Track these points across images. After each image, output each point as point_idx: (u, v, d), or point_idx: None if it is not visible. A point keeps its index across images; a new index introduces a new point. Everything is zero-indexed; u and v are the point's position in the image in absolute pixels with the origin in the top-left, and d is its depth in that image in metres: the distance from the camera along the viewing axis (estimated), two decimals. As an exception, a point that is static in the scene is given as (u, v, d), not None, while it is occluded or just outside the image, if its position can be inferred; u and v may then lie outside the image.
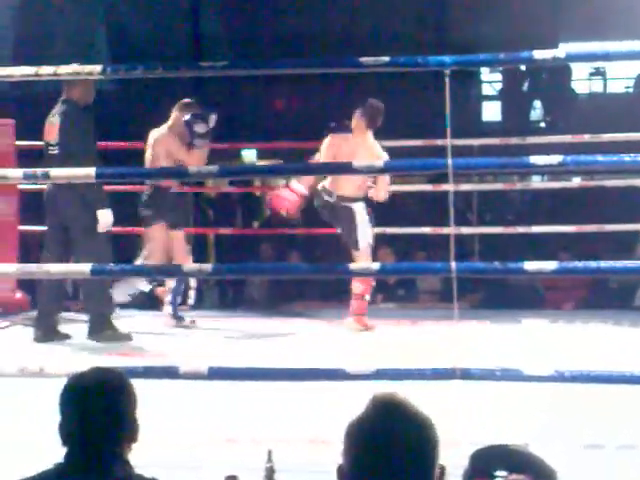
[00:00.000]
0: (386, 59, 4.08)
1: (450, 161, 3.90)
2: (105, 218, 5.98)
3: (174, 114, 6.64)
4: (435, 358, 5.20)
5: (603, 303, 7.59)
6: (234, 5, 13.99)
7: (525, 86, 13.82)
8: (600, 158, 4.20)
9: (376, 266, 4.10)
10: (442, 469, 1.78)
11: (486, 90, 14.34)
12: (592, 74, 13.80)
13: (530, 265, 3.91)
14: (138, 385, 2.28)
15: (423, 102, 10.36)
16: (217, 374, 3.94)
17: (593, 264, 4.01)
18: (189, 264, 6.07)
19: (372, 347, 5.89)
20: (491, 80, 14.29)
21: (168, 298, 6.83)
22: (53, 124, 6.17)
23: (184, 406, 4.38)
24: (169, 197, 6.65)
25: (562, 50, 3.95)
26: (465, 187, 7.78)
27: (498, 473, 2.48)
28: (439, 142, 6.95)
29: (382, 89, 12.80)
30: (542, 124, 13.67)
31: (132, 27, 13.91)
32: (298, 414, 4.23)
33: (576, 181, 9.28)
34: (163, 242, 6.59)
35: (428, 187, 7.79)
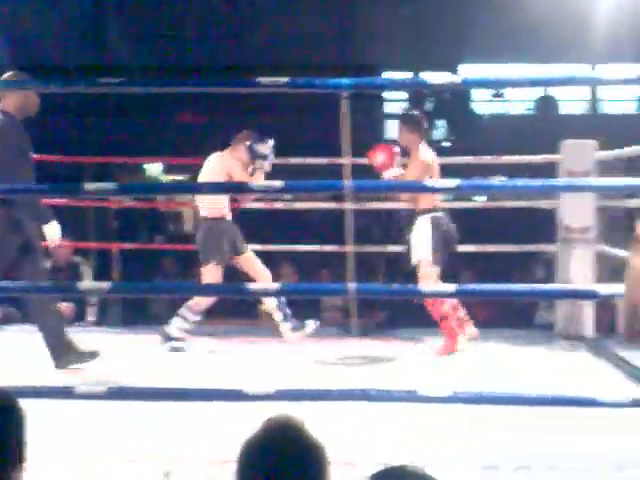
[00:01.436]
0: (285, 80, 4.12)
1: (347, 183, 3.95)
2: (51, 232, 5.62)
3: (235, 142, 6.61)
4: (334, 378, 5.27)
5: (508, 321, 7.75)
6: (137, 13, 13.91)
7: (429, 106, 14.02)
8: (495, 182, 4.31)
9: (275, 286, 4.11)
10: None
11: (391, 108, 14.51)
12: (494, 95, 14.09)
13: (429, 288, 3.99)
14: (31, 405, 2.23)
15: (329, 120, 10.40)
16: (115, 395, 3.91)
17: (489, 287, 4.10)
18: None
19: (272, 366, 5.88)
20: (396, 99, 14.47)
21: (279, 315, 6.59)
22: None
23: (84, 425, 4.32)
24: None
25: (458, 76, 4.01)
26: (371, 205, 7.80)
27: (396, 494, 2.51)
28: (343, 160, 7.03)
29: (290, 107, 12.94)
30: (446, 143, 13.88)
31: (33, 35, 13.71)
32: (198, 433, 4.21)
33: (481, 200, 9.40)
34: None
35: (332, 205, 7.81)
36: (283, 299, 6.49)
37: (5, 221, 5.54)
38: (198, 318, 6.50)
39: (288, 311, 6.51)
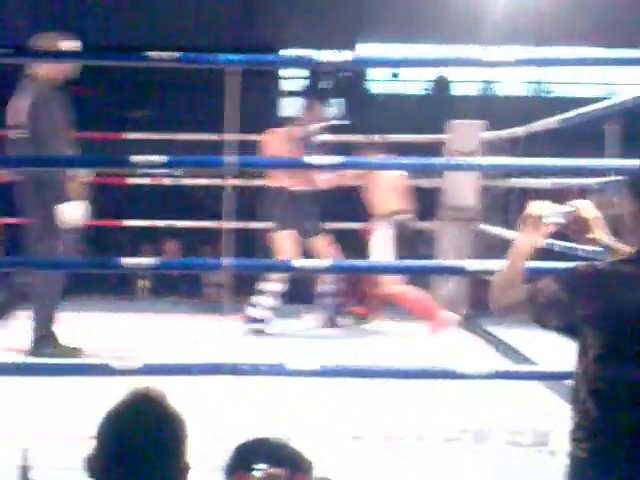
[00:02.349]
0: (175, 54, 4.11)
1: (229, 158, 3.95)
2: (68, 213, 5.35)
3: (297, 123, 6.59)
4: (209, 353, 5.28)
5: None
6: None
7: (326, 84, 14.05)
8: (375, 160, 4.35)
9: (149, 261, 4.09)
10: (187, 465, 1.82)
11: (288, 86, 14.50)
12: (393, 75, 14.19)
13: (302, 263, 4.03)
14: None
15: (220, 96, 10.36)
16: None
17: (361, 262, 4.17)
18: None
19: (156, 341, 5.87)
20: (294, 77, 14.47)
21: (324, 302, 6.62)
22: (16, 105, 5.49)
23: None
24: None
25: (348, 54, 4.04)
26: (257, 182, 7.79)
27: (258, 467, 2.54)
28: (231, 137, 6.98)
29: (182, 83, 12.85)
30: (342, 122, 13.93)
31: None
32: (64, 410, 4.18)
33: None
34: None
35: (217, 181, 7.77)
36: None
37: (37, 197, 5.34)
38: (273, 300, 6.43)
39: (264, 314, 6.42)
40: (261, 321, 6.38)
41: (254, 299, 6.39)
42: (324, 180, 6.52)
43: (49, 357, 5.25)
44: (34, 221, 5.42)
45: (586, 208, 2.60)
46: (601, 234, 2.62)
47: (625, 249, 2.54)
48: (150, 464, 1.77)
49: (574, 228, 2.59)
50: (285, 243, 6.40)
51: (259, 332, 6.33)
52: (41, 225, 5.36)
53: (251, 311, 6.38)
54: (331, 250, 6.49)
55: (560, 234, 2.72)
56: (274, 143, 6.46)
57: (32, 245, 5.41)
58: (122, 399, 1.82)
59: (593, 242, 2.64)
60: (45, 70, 5.40)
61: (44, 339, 5.37)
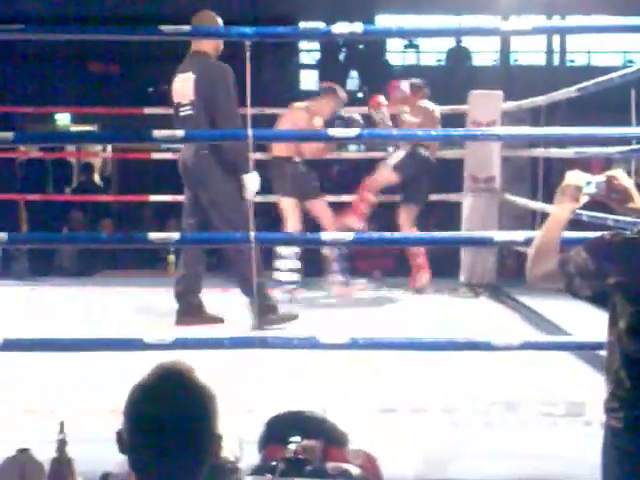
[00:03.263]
0: (187, 28, 4.10)
1: (250, 131, 3.96)
2: (251, 183, 5.15)
3: (324, 99, 6.58)
4: (238, 325, 5.31)
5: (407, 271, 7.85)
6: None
7: (342, 56, 14.00)
8: (394, 132, 4.36)
9: (176, 236, 4.11)
10: (218, 437, 1.82)
11: (305, 59, 14.45)
12: (406, 46, 14.12)
13: (328, 235, 4.04)
14: None
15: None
16: (12, 346, 3.89)
17: (387, 235, 4.16)
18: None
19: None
20: (311, 49, 14.42)
21: (336, 266, 6.64)
22: (185, 82, 5.43)
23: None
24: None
25: (359, 25, 4.02)
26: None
27: (292, 439, 2.56)
28: (254, 111, 6.96)
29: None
30: (360, 94, 13.90)
31: None
32: (99, 384, 4.21)
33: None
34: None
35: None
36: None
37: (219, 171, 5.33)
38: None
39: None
40: (292, 283, 6.46)
41: (278, 263, 6.45)
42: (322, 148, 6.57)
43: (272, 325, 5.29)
44: (221, 194, 5.35)
45: (622, 177, 2.59)
46: None
47: None
48: (180, 437, 1.76)
49: (615, 198, 2.59)
50: (292, 212, 6.50)
51: (292, 293, 6.41)
52: (231, 197, 5.29)
53: (279, 275, 6.45)
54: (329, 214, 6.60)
55: (590, 204, 2.72)
56: (293, 118, 6.45)
57: (221, 218, 5.34)
58: (149, 373, 1.82)
59: (633, 211, 2.63)
60: (210, 46, 5.42)
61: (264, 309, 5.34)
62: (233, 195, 5.27)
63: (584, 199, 2.54)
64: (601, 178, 2.55)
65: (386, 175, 6.73)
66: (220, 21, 5.43)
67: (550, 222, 2.53)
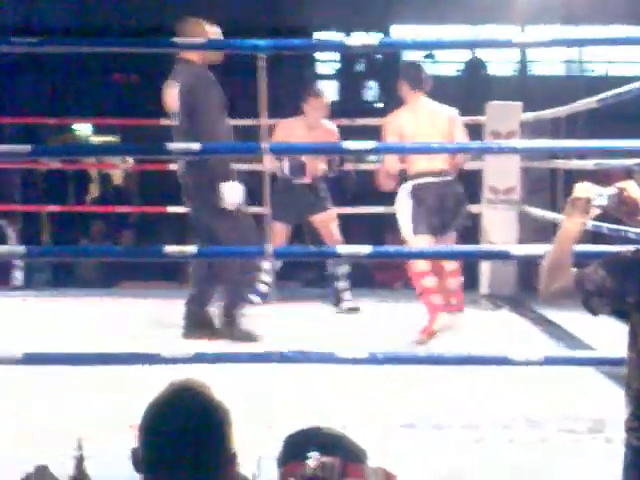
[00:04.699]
0: (202, 40, 4.09)
1: (265, 145, 3.96)
2: (230, 193, 5.16)
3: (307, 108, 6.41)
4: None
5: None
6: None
7: (360, 67, 14.00)
8: (409, 145, 4.35)
9: (192, 250, 4.10)
10: (234, 454, 1.81)
11: (323, 70, 14.46)
12: (425, 57, 14.11)
13: (344, 249, 4.03)
14: None
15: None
16: (31, 360, 3.89)
17: (406, 249, 4.14)
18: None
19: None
20: (328, 60, 14.43)
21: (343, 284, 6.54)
22: (172, 91, 5.33)
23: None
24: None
25: (374, 37, 4.02)
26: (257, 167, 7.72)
27: (310, 455, 2.53)
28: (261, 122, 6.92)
29: (221, 69, 12.85)
30: (378, 104, 13.90)
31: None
32: (117, 399, 4.19)
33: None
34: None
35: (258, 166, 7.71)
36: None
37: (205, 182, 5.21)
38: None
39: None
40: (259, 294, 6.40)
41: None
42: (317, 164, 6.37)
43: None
44: (205, 206, 5.28)
45: (633, 189, 2.56)
46: None
47: None
48: (195, 455, 1.76)
49: (625, 210, 2.56)
50: (276, 232, 6.44)
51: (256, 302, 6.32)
52: (214, 209, 5.22)
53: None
54: (333, 232, 6.46)
55: (606, 216, 2.69)
56: (282, 131, 6.37)
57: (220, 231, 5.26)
58: (163, 390, 1.81)
59: None
60: (198, 54, 5.26)
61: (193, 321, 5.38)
62: (219, 208, 5.20)
63: (595, 212, 2.51)
64: (612, 190, 2.51)
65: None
66: (213, 29, 5.29)
67: (561, 236, 2.48)
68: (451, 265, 5.70)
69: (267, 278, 6.52)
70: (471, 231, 7.38)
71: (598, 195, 2.48)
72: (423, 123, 5.59)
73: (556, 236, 2.50)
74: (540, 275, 2.44)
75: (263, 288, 6.48)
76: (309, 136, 6.30)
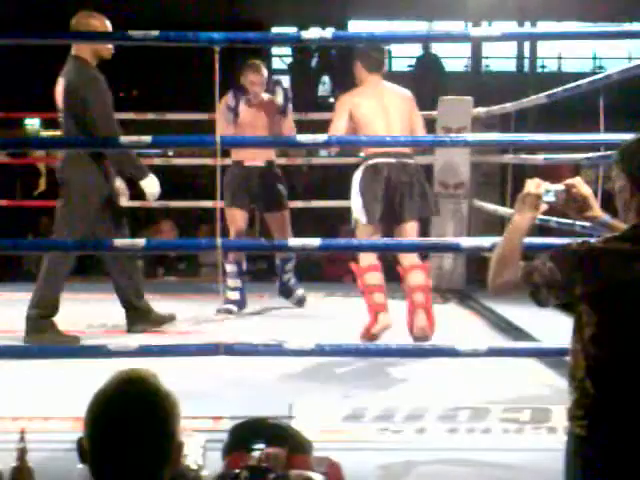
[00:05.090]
0: (155, 33, 4.08)
1: (218, 138, 3.96)
2: (150, 187, 5.21)
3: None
4: (207, 333, 5.29)
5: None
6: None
7: (314, 62, 14.01)
8: (363, 138, 4.37)
9: (142, 242, 4.08)
10: (180, 444, 1.81)
11: (277, 64, 14.45)
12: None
13: (295, 241, 4.03)
14: None
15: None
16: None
17: (354, 242, 4.16)
18: None
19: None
20: (281, 54, 14.43)
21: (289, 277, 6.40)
22: (59, 87, 5.28)
23: None
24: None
25: (329, 31, 4.03)
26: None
27: (256, 446, 2.54)
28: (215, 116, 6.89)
29: (174, 61, 12.81)
30: (331, 99, 13.91)
31: None
32: (62, 392, 4.17)
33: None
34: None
35: (208, 161, 7.74)
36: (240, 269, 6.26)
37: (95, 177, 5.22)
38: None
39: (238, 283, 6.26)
40: (230, 302, 6.22)
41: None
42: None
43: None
44: (78, 200, 5.26)
45: (581, 185, 2.60)
46: (598, 211, 2.62)
47: (622, 227, 2.54)
48: (140, 444, 1.75)
49: (573, 206, 2.60)
50: (235, 220, 6.21)
51: (228, 312, 6.16)
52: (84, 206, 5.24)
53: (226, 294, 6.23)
54: (285, 227, 6.29)
55: (554, 210, 2.73)
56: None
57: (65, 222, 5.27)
58: (109, 380, 1.81)
59: (591, 219, 2.64)
60: (86, 50, 5.24)
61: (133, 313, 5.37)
62: (88, 204, 5.21)
63: (544, 207, 2.54)
64: (560, 187, 2.56)
65: None
66: (106, 23, 5.27)
67: (511, 231, 2.52)
68: (408, 259, 5.20)
69: (236, 283, 6.29)
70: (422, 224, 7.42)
71: (547, 191, 2.52)
72: (381, 104, 5.32)
73: (506, 230, 2.53)
74: (489, 269, 2.46)
75: (234, 296, 6.25)
76: (249, 111, 6.21)
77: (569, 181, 2.60)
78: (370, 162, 5.22)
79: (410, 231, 5.20)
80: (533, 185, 2.54)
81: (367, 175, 5.21)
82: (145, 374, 1.83)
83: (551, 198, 2.53)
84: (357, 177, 5.26)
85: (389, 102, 5.36)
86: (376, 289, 5.16)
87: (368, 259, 5.18)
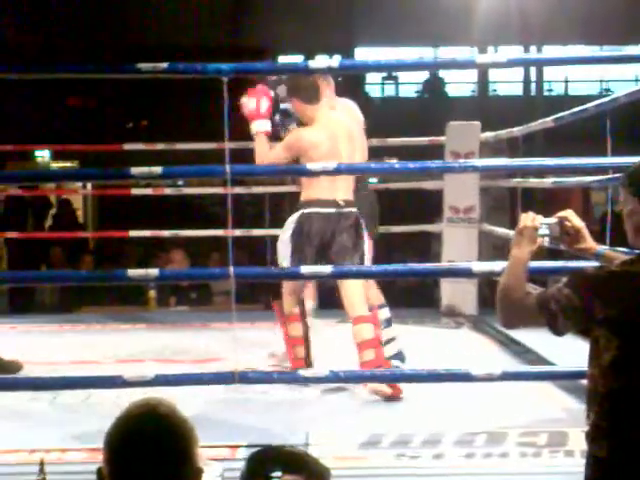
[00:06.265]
0: (164, 65, 4.11)
1: (228, 167, 3.98)
2: None
3: None
4: (221, 361, 5.29)
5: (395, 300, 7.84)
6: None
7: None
8: (370, 165, 4.39)
9: (155, 273, 4.10)
10: (199, 470, 1.82)
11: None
12: (384, 78, 14.20)
13: (306, 269, 4.05)
14: None
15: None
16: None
17: (353, 268, 4.20)
18: None
19: (167, 351, 5.87)
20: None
21: None
22: None
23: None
24: None
25: (336, 60, 4.06)
26: (257, 190, 7.78)
27: (273, 474, 2.54)
28: (232, 145, 6.92)
29: (179, 92, 12.89)
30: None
31: None
32: (80, 422, 4.18)
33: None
34: None
35: (219, 190, 7.76)
36: None
37: None
38: None
39: None
40: None
41: None
42: None
43: None
44: None
45: (573, 217, 2.62)
46: (592, 242, 2.63)
47: (617, 256, 2.56)
48: (159, 472, 1.77)
49: (567, 239, 2.62)
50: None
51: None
52: None
53: None
54: None
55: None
56: None
57: None
58: (128, 408, 1.83)
59: (585, 251, 2.65)
60: None
61: None
62: None
63: (540, 241, 2.56)
64: (553, 220, 2.58)
65: None
66: None
67: (513, 265, 2.51)
68: (355, 309, 4.76)
69: None
70: (431, 250, 7.43)
71: (541, 224, 2.54)
72: (336, 140, 4.83)
73: (506, 266, 2.53)
74: (499, 307, 2.47)
75: None
76: None
77: (562, 213, 2.63)
78: (306, 211, 4.86)
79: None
80: (529, 219, 2.55)
81: (301, 224, 4.85)
82: (163, 403, 1.85)
83: (545, 231, 2.57)
84: (291, 223, 4.89)
85: (344, 132, 4.91)
86: (298, 342, 4.96)
87: (289, 307, 4.97)
